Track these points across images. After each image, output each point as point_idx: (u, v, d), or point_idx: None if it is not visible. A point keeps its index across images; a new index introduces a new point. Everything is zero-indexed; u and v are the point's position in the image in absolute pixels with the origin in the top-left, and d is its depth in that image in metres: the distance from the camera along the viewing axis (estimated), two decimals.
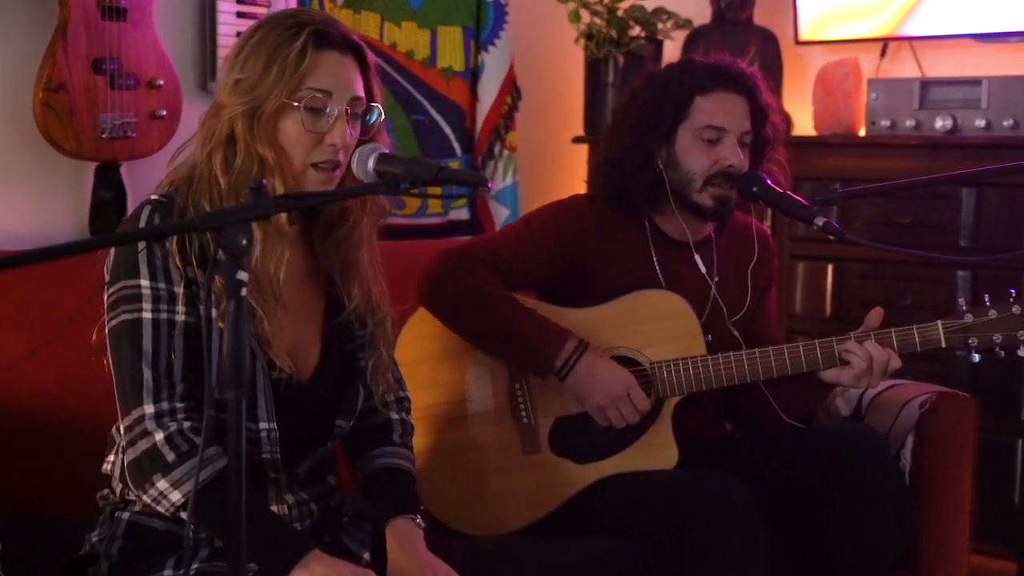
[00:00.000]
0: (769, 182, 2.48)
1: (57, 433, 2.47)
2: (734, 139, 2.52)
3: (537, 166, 4.20)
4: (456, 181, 1.68)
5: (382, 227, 2.09)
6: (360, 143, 1.94)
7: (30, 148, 2.85)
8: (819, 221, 2.36)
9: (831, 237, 2.41)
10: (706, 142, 2.52)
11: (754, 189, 2.48)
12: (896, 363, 2.40)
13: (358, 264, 2.04)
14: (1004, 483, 3.40)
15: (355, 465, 2.15)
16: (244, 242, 1.47)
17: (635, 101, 2.60)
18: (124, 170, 2.97)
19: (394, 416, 2.17)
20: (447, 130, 3.89)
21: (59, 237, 2.92)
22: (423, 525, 2.06)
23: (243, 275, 1.48)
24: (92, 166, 2.93)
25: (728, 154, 2.51)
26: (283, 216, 1.91)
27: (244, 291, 1.48)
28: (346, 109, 1.92)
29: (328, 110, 1.91)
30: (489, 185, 1.64)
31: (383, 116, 2.00)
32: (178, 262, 1.86)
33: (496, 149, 3.91)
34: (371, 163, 1.80)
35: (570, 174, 4.20)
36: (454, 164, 3.89)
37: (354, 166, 1.85)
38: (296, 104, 1.89)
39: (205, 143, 1.93)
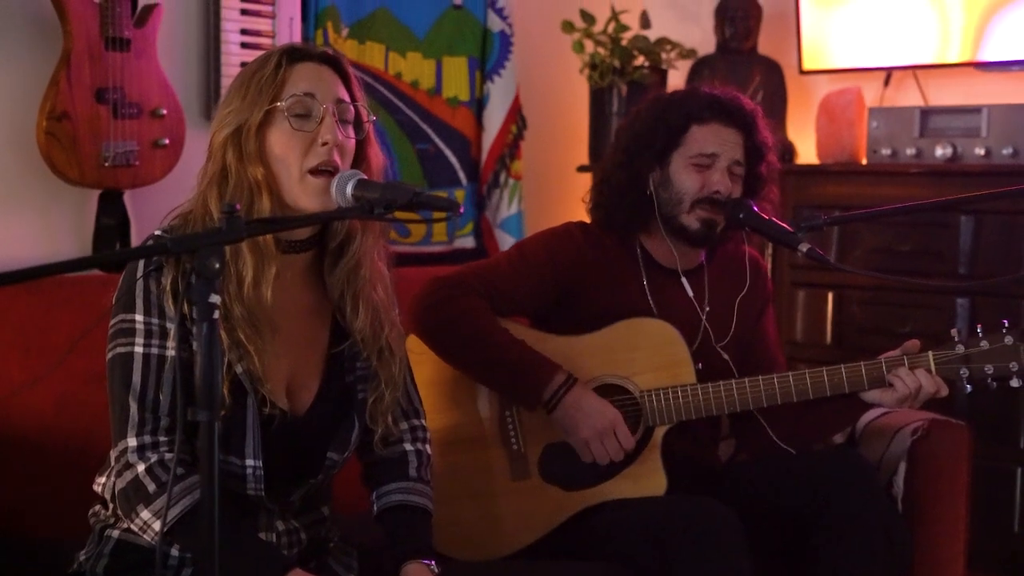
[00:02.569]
0: (755, 208, 2.49)
1: (52, 457, 2.50)
2: (724, 165, 2.53)
3: (542, 195, 4.22)
4: (431, 206, 1.71)
5: (391, 260, 2.09)
6: (355, 161, 1.96)
7: (34, 176, 2.89)
8: (803, 247, 2.35)
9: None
10: (696, 167, 2.54)
11: (740, 215, 2.49)
12: (944, 391, 2.42)
13: (369, 298, 2.03)
14: (1003, 511, 3.38)
15: (372, 497, 2.14)
16: (217, 265, 1.50)
17: (634, 123, 2.63)
18: (127, 198, 3.01)
19: (408, 447, 2.16)
20: (452, 159, 3.92)
21: None
22: (437, 571, 2.04)
23: (215, 298, 1.50)
24: (95, 194, 2.97)
25: (717, 179, 2.52)
26: (269, 237, 1.92)
27: (216, 314, 1.51)
28: (332, 110, 1.94)
29: (314, 112, 1.93)
30: (461, 210, 1.66)
31: (373, 117, 2.01)
32: (170, 302, 1.88)
33: (501, 178, 3.94)
34: (350, 189, 1.82)
35: (575, 203, 4.17)
36: (459, 193, 3.91)
37: (333, 192, 1.86)
38: (279, 105, 1.91)
39: (200, 185, 1.96)
